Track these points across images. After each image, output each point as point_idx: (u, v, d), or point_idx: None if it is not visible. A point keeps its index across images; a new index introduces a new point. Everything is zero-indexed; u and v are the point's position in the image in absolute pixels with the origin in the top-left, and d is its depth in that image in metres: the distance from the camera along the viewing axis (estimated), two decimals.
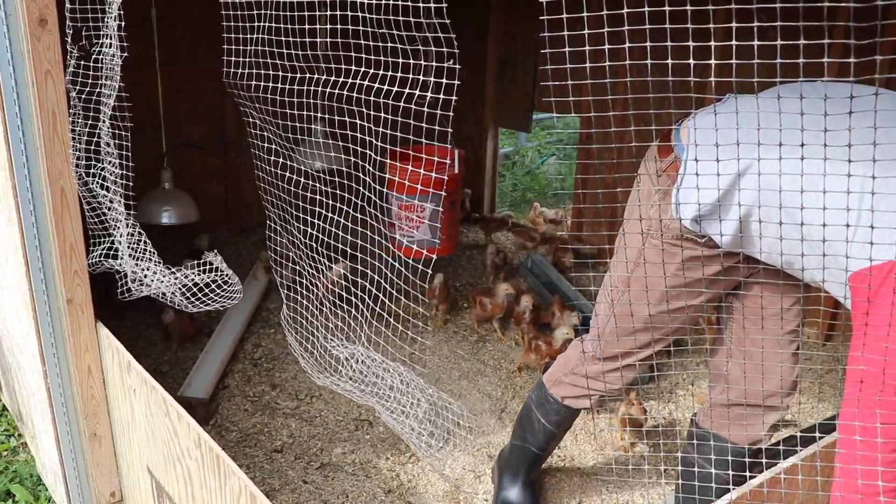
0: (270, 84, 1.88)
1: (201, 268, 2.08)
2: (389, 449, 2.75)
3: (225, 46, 1.98)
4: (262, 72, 1.91)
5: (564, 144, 8.46)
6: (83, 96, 2.01)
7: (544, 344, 3.12)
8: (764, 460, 1.70)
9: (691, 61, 1.12)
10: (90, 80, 2.02)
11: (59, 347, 2.18)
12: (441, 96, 1.36)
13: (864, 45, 1.20)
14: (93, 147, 2.09)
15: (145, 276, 2.07)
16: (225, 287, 2.08)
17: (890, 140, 1.20)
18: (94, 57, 1.99)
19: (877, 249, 1.21)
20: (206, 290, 2.10)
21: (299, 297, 2.20)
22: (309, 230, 1.97)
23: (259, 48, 1.90)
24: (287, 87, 1.83)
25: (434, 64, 1.39)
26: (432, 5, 1.32)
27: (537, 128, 8.71)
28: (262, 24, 1.86)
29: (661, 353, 1.98)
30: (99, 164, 2.05)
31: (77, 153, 2.07)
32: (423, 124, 1.46)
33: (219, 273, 2.05)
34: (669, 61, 1.17)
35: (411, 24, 1.45)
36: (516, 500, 2.37)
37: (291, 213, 2.07)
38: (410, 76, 1.45)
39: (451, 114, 1.35)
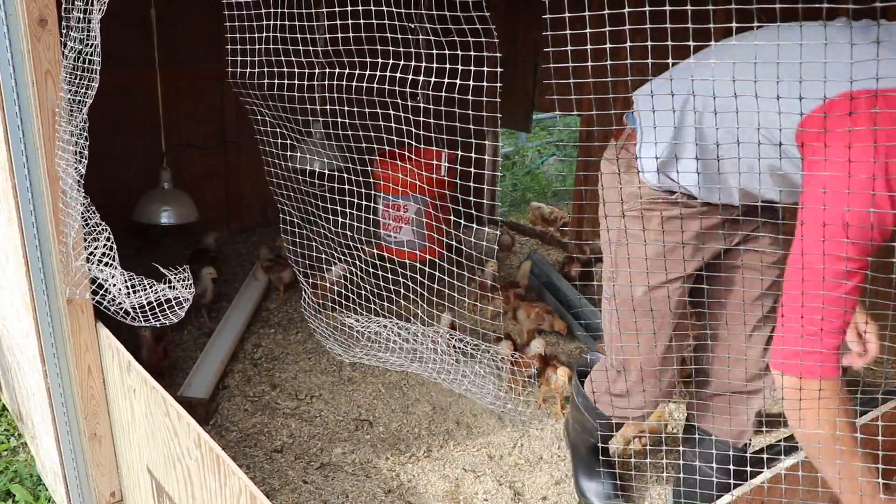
0: (285, 81, 1.88)
1: (166, 284, 2.02)
2: (389, 449, 2.75)
3: (229, 47, 1.97)
4: (282, 69, 1.90)
5: (564, 144, 8.46)
6: (68, 96, 1.99)
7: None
8: (765, 456, 1.70)
9: (691, 60, 1.12)
10: (76, 80, 2.00)
11: (59, 347, 2.18)
12: (485, 84, 1.39)
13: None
14: (64, 145, 2.06)
15: (112, 286, 2.04)
16: (175, 307, 2.02)
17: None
18: (81, 56, 1.97)
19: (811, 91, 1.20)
20: (160, 307, 2.03)
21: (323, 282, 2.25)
22: (336, 217, 1.97)
23: (271, 45, 1.89)
24: (311, 83, 1.83)
25: (473, 53, 1.43)
26: None
27: (537, 128, 8.71)
28: (273, 22, 1.85)
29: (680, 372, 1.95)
30: (77, 165, 2.02)
31: (59, 153, 2.05)
32: (470, 111, 1.49)
33: (178, 292, 2.00)
34: (670, 60, 1.17)
35: (446, 18, 1.48)
36: (594, 482, 2.37)
37: (313, 204, 2.08)
38: (448, 66, 1.48)
39: (499, 100, 1.36)
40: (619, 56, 1.29)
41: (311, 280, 2.21)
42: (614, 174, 1.77)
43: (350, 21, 1.61)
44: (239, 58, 1.96)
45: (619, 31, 1.23)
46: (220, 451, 1.63)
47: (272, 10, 1.84)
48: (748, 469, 1.65)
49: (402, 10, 1.52)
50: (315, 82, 1.80)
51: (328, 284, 2.87)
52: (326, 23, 1.72)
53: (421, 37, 1.55)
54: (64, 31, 2.01)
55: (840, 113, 1.26)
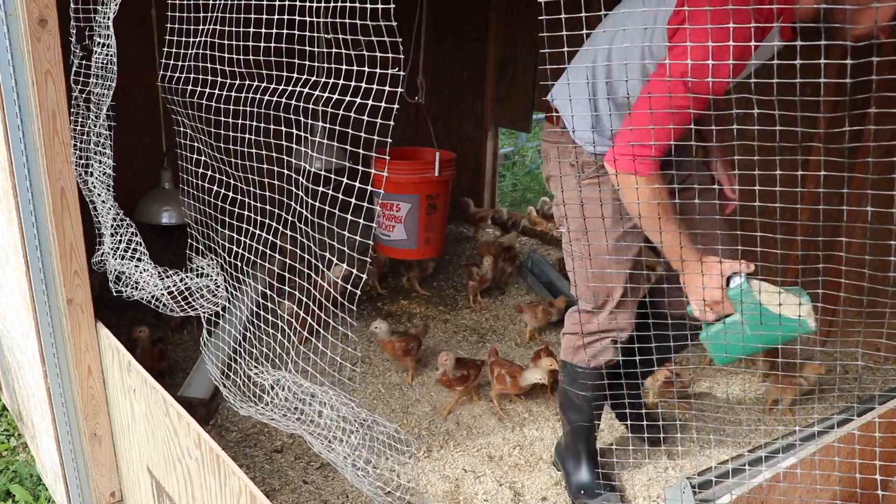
0: (207, 90, 1.81)
1: (193, 273, 2.06)
2: (389, 449, 2.75)
3: (165, 49, 1.94)
4: (206, 77, 1.84)
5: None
6: (84, 95, 2.01)
7: (509, 377, 2.92)
8: (763, 454, 1.70)
9: (688, 61, 1.12)
10: (91, 80, 2.02)
11: (59, 347, 2.18)
12: (383, 104, 1.29)
13: (862, 47, 1.21)
14: (91, 146, 2.09)
15: (140, 278, 2.06)
16: (211, 295, 2.05)
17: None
18: (94, 56, 1.99)
19: None
20: (195, 296, 2.07)
21: (226, 320, 2.14)
22: (244, 243, 1.88)
23: (200, 51, 1.83)
24: (225, 93, 1.77)
25: (378, 71, 1.33)
26: (380, 6, 1.26)
27: (537, 128, 8.70)
28: (204, 27, 1.80)
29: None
30: (98, 163, 2.05)
31: (78, 152, 2.06)
32: (363, 134, 1.40)
33: (210, 279, 2.02)
34: (668, 61, 1.17)
35: (357, 28, 1.39)
36: (588, 478, 2.46)
37: (226, 225, 1.96)
38: (352, 83, 1.39)
39: (392, 123, 1.31)
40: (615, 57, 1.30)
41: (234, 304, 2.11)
42: (558, 151, 2.14)
43: (263, 30, 1.59)
44: (172, 61, 1.93)
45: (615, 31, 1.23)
46: (221, 451, 1.63)
47: (209, 14, 1.79)
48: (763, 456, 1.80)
49: (315, 20, 1.45)
50: (233, 93, 1.74)
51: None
52: (252, 30, 1.68)
53: (331, 49, 1.49)
54: (73, 32, 2.02)
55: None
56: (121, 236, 2.08)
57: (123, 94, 3.99)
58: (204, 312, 2.12)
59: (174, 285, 2.07)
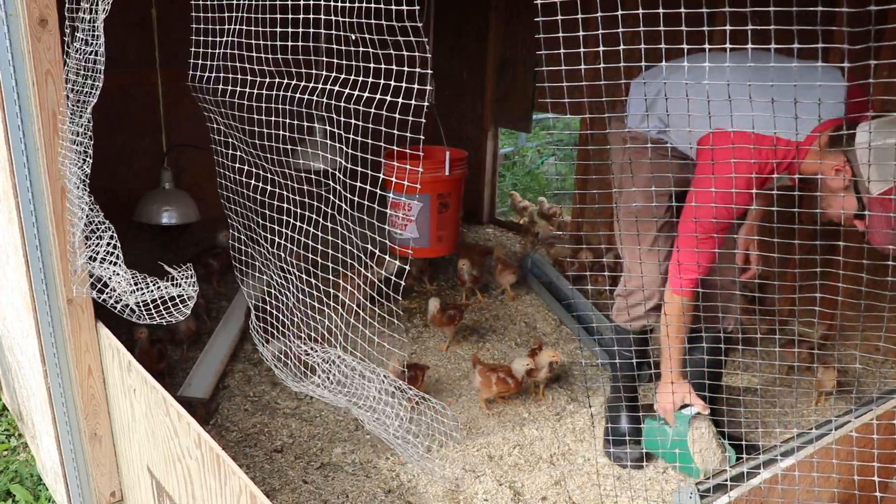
0: (238, 89, 1.84)
1: (169, 282, 2.02)
2: (389, 449, 2.75)
3: (193, 49, 1.95)
4: (230, 76, 1.86)
5: (565, 145, 8.46)
6: (72, 95, 2.00)
7: (507, 375, 2.96)
8: (761, 458, 1.70)
9: (685, 64, 1.13)
10: (80, 80, 2.00)
11: (59, 347, 2.18)
12: (413, 102, 1.32)
13: (860, 50, 1.21)
14: (70, 145, 2.07)
15: (115, 283, 2.03)
16: (179, 305, 2.01)
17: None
18: (85, 55, 1.97)
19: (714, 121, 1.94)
20: (164, 305, 2.02)
21: (271, 306, 2.15)
22: (286, 235, 1.90)
23: (228, 50, 1.85)
24: (255, 91, 1.79)
25: (406, 69, 1.34)
26: (405, 8, 1.28)
27: (537, 128, 8.71)
28: (233, 26, 1.82)
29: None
30: (76, 164, 2.03)
31: (63, 151, 2.05)
32: (395, 131, 1.42)
33: (183, 289, 1.99)
34: (664, 63, 1.17)
35: (384, 28, 1.41)
36: (627, 424, 2.76)
37: (262, 220, 2.00)
38: (382, 81, 1.39)
39: (423, 120, 1.34)
40: (610, 59, 1.30)
41: (278, 292, 2.13)
42: (618, 128, 2.54)
43: (289, 29, 1.60)
44: (200, 61, 1.94)
45: (612, 34, 1.24)
46: (221, 450, 1.64)
47: (235, 14, 1.80)
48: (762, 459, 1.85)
49: (341, 19, 1.46)
50: (264, 91, 1.76)
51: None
52: (279, 30, 1.70)
53: (361, 49, 1.50)
54: (68, 32, 2.02)
55: (713, 144, 2.11)
56: (97, 238, 2.04)
57: (123, 94, 4.03)
58: (166, 322, 2.06)
59: (145, 294, 2.01)
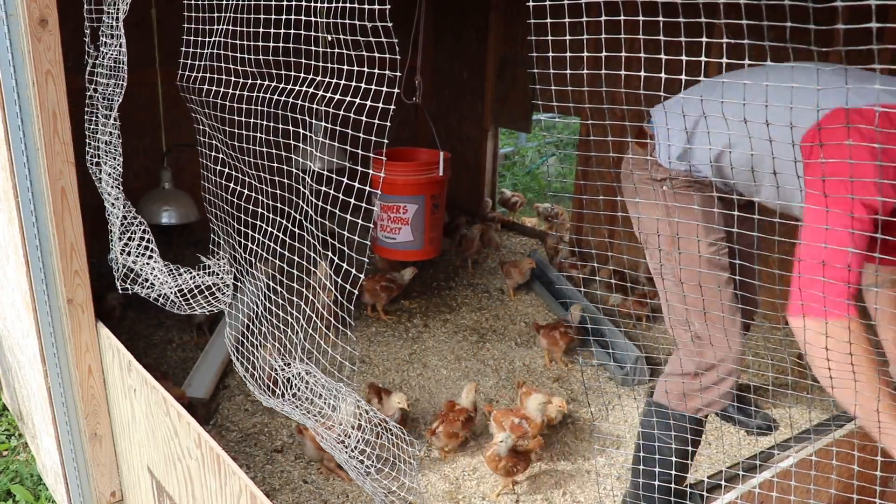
0: (221, 89, 1.84)
1: (202, 271, 2.07)
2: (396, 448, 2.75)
3: (183, 49, 1.95)
4: (216, 76, 1.87)
5: (564, 145, 8.46)
6: (98, 94, 2.02)
7: (524, 420, 2.66)
8: (758, 462, 1.70)
9: (684, 70, 1.13)
10: (104, 80, 2.03)
11: (59, 347, 2.18)
12: (380, 105, 1.28)
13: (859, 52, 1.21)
14: (101, 145, 2.10)
15: (151, 276, 2.07)
16: (217, 293, 2.06)
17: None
18: (106, 56, 1.99)
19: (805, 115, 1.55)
20: (202, 294, 2.08)
21: (254, 313, 2.16)
22: (257, 240, 1.89)
23: (214, 51, 1.86)
24: (237, 93, 1.79)
25: (376, 71, 1.33)
26: (376, 7, 1.26)
27: (537, 128, 8.71)
28: (217, 26, 1.82)
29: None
30: (106, 164, 2.06)
31: (93, 150, 2.06)
32: (360, 134, 1.40)
33: (218, 277, 2.04)
34: (662, 63, 1.17)
35: (356, 28, 1.39)
36: None
37: (237, 223, 2.00)
38: (353, 84, 1.39)
39: (388, 124, 1.32)
40: (611, 64, 1.30)
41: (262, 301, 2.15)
42: (644, 167, 2.05)
43: (272, 30, 1.60)
44: (190, 61, 1.94)
45: (599, 39, 1.24)
46: (221, 450, 1.64)
47: (216, 13, 1.80)
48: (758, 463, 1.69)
49: (313, 19, 1.45)
50: (245, 93, 1.76)
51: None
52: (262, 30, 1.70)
53: (334, 50, 1.49)
54: (87, 34, 2.03)
55: (834, 125, 1.56)
56: (131, 234, 2.09)
57: (124, 94, 4.02)
58: (208, 311, 2.13)
59: (185, 283, 2.08)
